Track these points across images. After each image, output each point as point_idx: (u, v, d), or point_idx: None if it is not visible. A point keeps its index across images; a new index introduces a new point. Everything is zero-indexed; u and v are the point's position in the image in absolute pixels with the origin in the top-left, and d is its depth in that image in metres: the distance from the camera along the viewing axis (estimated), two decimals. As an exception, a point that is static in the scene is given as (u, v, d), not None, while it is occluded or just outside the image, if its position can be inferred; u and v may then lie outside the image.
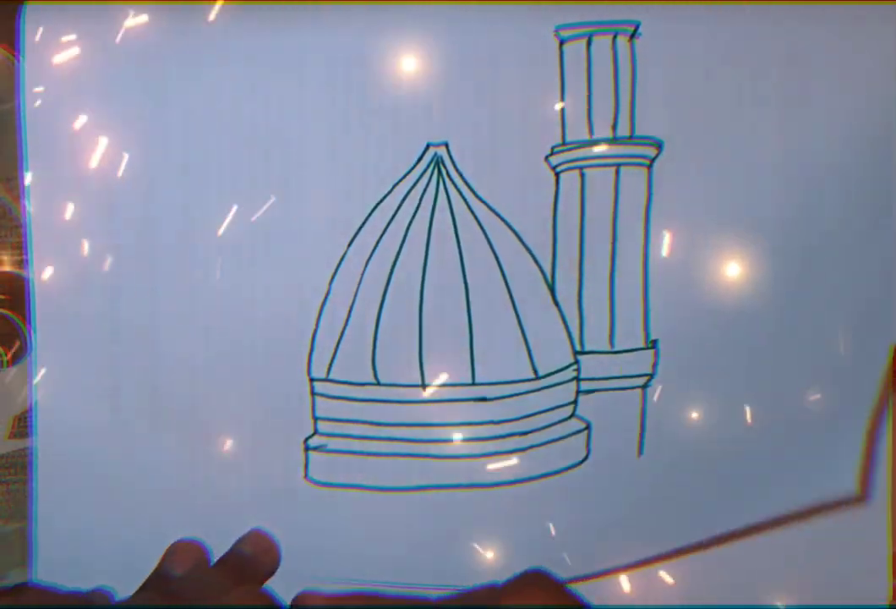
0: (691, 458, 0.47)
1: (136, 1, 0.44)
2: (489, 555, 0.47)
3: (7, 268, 0.49)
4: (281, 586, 0.46)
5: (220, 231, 0.46)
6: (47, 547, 0.48)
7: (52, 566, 0.48)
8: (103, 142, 0.45)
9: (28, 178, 0.45)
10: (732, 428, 0.47)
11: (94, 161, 0.45)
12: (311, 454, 0.47)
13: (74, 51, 0.44)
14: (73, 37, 0.44)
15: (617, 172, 0.46)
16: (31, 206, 0.46)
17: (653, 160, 0.46)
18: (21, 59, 0.44)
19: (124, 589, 0.46)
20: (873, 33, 0.45)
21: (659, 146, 0.46)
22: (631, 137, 0.46)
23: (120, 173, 0.45)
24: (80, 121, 0.45)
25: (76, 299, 0.46)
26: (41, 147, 0.45)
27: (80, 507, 0.47)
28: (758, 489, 0.48)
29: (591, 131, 0.46)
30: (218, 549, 0.46)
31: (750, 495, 0.48)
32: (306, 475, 0.47)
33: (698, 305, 0.47)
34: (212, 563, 0.44)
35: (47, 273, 0.46)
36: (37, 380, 0.47)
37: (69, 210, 0.46)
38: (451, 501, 0.47)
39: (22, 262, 0.49)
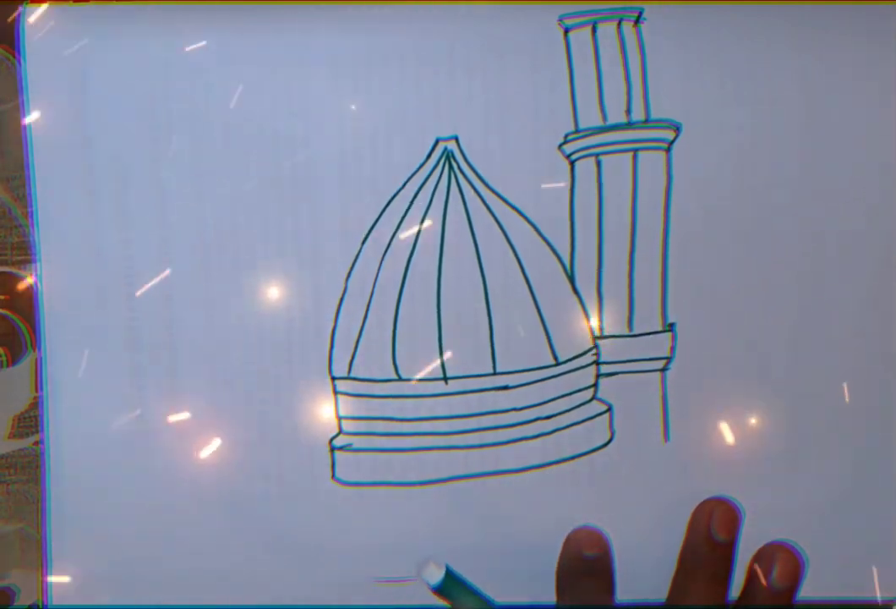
0: (717, 443, 0.47)
1: (134, 1, 0.44)
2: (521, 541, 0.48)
3: (7, 268, 0.48)
4: (315, 590, 0.47)
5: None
6: (61, 558, 0.47)
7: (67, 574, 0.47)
8: (108, 144, 0.45)
9: (34, 180, 0.45)
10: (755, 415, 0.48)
11: (101, 164, 0.45)
12: (338, 454, 0.47)
13: (75, 51, 0.44)
14: (73, 37, 0.44)
15: (635, 157, 0.46)
16: (39, 210, 0.45)
17: (671, 143, 0.46)
18: (21, 59, 0.44)
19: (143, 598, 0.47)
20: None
21: (677, 128, 0.45)
22: (647, 121, 0.46)
23: (129, 177, 0.45)
24: (84, 121, 0.44)
25: (91, 306, 0.45)
26: (46, 147, 0.44)
27: (95, 516, 0.47)
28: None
29: (604, 118, 0.46)
30: (245, 557, 0.46)
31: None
32: (333, 476, 0.47)
33: (716, 288, 0.47)
34: None
35: (58, 278, 0.45)
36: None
37: (79, 214, 0.45)
38: (480, 490, 0.47)
39: (22, 263, 0.48)
